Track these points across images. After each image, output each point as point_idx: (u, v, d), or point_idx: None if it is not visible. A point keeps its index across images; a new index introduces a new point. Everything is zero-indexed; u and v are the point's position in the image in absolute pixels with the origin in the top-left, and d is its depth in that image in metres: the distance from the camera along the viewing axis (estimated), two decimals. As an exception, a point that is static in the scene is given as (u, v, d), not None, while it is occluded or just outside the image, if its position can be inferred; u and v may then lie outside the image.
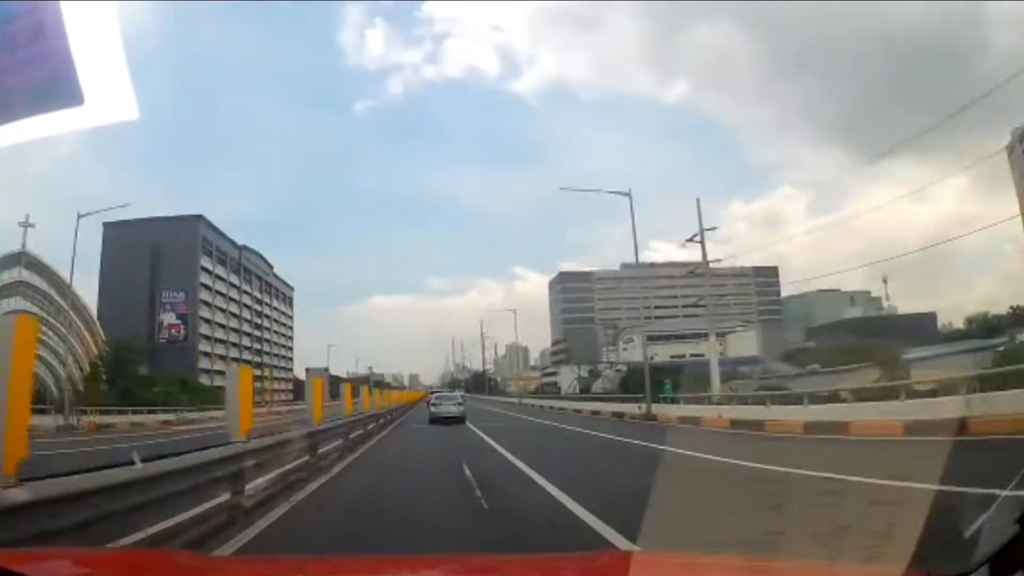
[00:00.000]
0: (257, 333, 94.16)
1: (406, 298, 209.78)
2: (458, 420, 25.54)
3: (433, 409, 27.48)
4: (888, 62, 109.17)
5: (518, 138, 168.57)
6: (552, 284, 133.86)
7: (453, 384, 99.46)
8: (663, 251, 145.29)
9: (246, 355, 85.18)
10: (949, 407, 13.19)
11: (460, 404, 28.18)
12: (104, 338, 49.87)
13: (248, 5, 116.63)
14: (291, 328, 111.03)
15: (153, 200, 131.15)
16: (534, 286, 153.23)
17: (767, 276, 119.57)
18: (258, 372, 62.58)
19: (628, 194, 29.66)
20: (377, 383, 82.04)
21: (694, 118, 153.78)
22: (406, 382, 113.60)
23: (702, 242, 28.97)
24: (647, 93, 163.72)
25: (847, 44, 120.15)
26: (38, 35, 2.78)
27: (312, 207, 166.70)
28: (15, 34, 2.80)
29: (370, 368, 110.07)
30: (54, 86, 2.79)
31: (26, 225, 37.95)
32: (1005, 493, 1.59)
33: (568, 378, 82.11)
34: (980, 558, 1.18)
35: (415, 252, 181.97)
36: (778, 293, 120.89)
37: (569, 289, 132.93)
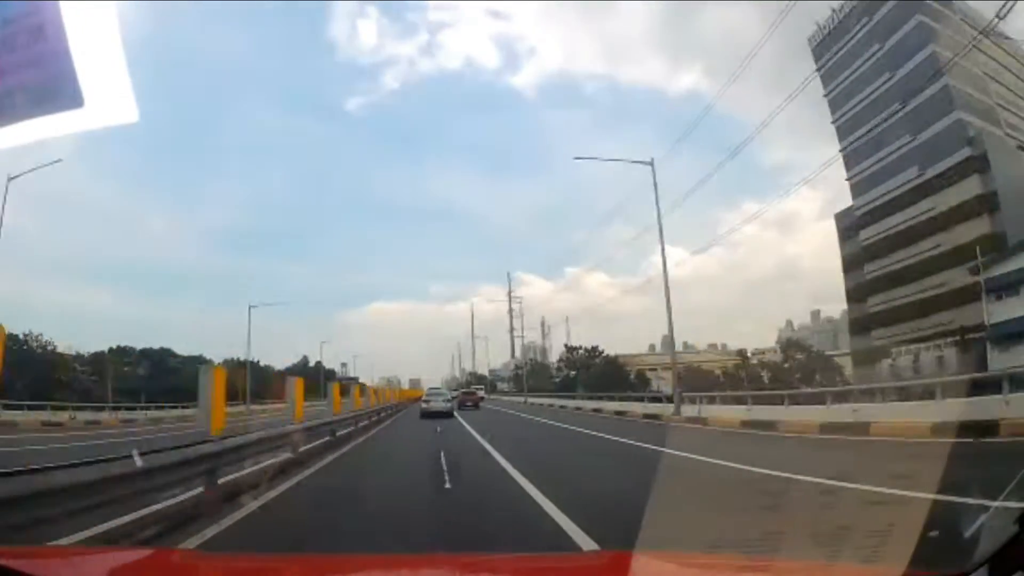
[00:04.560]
0: None
1: (407, 304, 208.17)
2: (447, 415, 28.09)
3: (424, 405, 30.17)
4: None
5: (520, 138, 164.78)
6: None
7: (466, 384, 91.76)
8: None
9: None
10: None
11: (448, 401, 31.20)
12: None
13: (247, 5, 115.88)
14: None
15: (153, 205, 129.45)
16: (538, 290, 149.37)
17: None
18: None
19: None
20: (349, 382, 65.71)
21: (703, 113, 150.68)
22: (405, 384, 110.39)
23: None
24: (654, 86, 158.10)
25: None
26: (38, 36, 2.77)
27: (312, 211, 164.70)
28: (15, 35, 2.79)
29: (343, 364, 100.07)
30: (54, 88, 2.78)
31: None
32: (996, 504, 1.60)
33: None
34: (980, 558, 1.20)
35: (416, 257, 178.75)
36: None
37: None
